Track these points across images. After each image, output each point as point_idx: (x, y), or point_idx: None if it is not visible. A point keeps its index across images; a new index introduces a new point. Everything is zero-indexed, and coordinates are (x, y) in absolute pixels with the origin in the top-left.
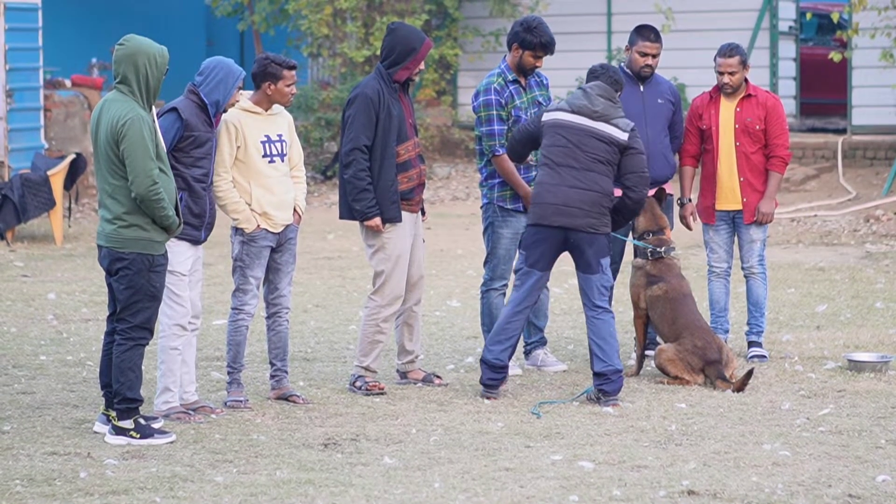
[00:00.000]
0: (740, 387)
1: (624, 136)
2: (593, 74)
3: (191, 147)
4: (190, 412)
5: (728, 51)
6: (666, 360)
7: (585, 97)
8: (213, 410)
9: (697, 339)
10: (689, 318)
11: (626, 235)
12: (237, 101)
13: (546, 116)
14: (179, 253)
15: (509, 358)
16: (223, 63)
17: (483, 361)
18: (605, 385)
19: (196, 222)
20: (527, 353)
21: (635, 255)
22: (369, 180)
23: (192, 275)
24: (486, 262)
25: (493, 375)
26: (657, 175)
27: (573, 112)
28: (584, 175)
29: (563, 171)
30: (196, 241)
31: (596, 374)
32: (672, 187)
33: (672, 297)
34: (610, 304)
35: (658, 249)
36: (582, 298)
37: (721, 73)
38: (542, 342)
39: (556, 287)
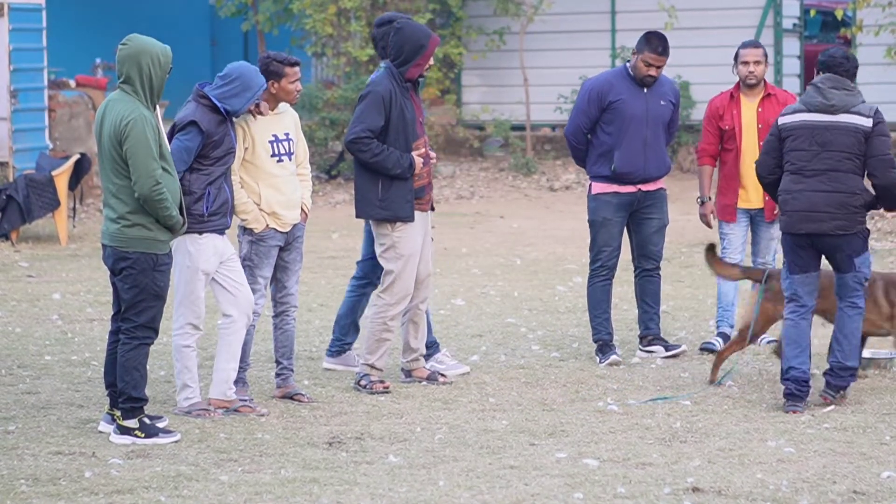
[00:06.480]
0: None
1: (868, 123)
2: (823, 65)
3: (211, 150)
4: (211, 408)
5: (751, 43)
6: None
7: (818, 93)
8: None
9: None
10: None
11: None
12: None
13: (782, 120)
14: (204, 250)
15: (808, 367)
16: (247, 75)
17: (788, 380)
18: (831, 377)
19: (222, 210)
20: (427, 357)
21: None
22: (384, 146)
23: (230, 263)
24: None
25: (799, 388)
26: (654, 173)
27: (810, 111)
28: (828, 176)
29: (806, 174)
30: (224, 228)
31: (830, 367)
32: (679, 184)
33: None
34: (862, 301)
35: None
36: (835, 290)
37: (746, 63)
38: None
39: (560, 285)
